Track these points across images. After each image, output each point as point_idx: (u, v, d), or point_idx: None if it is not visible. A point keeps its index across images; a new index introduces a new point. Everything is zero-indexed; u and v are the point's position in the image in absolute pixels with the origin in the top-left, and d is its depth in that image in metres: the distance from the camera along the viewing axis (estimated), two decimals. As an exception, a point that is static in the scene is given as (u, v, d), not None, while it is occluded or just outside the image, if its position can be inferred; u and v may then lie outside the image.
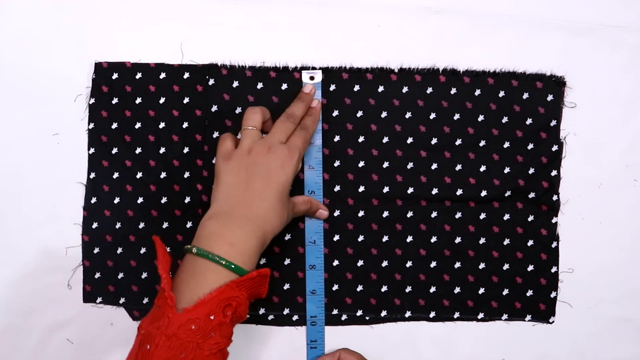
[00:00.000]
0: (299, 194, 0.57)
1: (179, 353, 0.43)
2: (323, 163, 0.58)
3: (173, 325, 0.43)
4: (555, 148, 0.58)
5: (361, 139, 0.58)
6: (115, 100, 0.58)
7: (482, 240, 0.58)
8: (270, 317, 0.58)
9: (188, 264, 0.48)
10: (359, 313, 0.58)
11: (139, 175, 0.58)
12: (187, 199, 0.58)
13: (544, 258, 0.58)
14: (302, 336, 0.58)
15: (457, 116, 0.58)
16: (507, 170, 0.58)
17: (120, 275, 0.58)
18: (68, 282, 0.58)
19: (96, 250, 0.58)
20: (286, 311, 0.58)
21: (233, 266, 0.47)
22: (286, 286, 0.58)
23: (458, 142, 0.58)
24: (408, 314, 0.58)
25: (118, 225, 0.58)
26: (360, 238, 0.58)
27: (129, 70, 0.59)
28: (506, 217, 0.58)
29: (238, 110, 0.58)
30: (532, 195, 0.58)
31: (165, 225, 0.58)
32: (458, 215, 0.58)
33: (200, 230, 0.49)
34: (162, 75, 0.59)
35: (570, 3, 0.60)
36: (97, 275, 0.58)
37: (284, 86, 0.58)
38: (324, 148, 0.58)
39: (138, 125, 0.58)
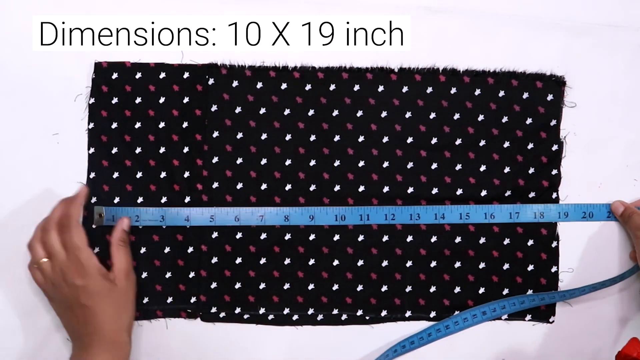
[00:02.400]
0: None
1: None
2: (323, 163, 0.58)
3: None
4: (555, 147, 0.58)
5: (361, 138, 0.58)
6: (115, 100, 0.58)
7: (482, 240, 0.58)
8: (270, 317, 0.58)
9: None
10: (359, 313, 0.58)
11: (139, 175, 0.58)
12: (187, 199, 0.58)
13: (544, 258, 0.58)
14: (302, 336, 0.58)
15: (457, 116, 0.58)
16: (507, 169, 0.58)
17: (120, 275, 0.58)
18: (68, 282, 0.58)
19: (96, 250, 0.58)
20: (286, 311, 0.58)
21: None
22: (286, 286, 0.58)
23: (458, 141, 0.58)
24: (408, 313, 0.58)
25: (118, 225, 0.58)
26: (360, 238, 0.58)
27: (129, 70, 0.59)
28: (506, 216, 0.58)
29: (238, 109, 0.58)
30: (532, 194, 0.58)
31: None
32: (458, 215, 0.58)
33: None
34: (162, 75, 0.59)
35: (570, 3, 0.60)
36: (97, 275, 0.58)
37: (284, 86, 0.58)
38: (324, 148, 0.58)
39: (138, 125, 0.58)
